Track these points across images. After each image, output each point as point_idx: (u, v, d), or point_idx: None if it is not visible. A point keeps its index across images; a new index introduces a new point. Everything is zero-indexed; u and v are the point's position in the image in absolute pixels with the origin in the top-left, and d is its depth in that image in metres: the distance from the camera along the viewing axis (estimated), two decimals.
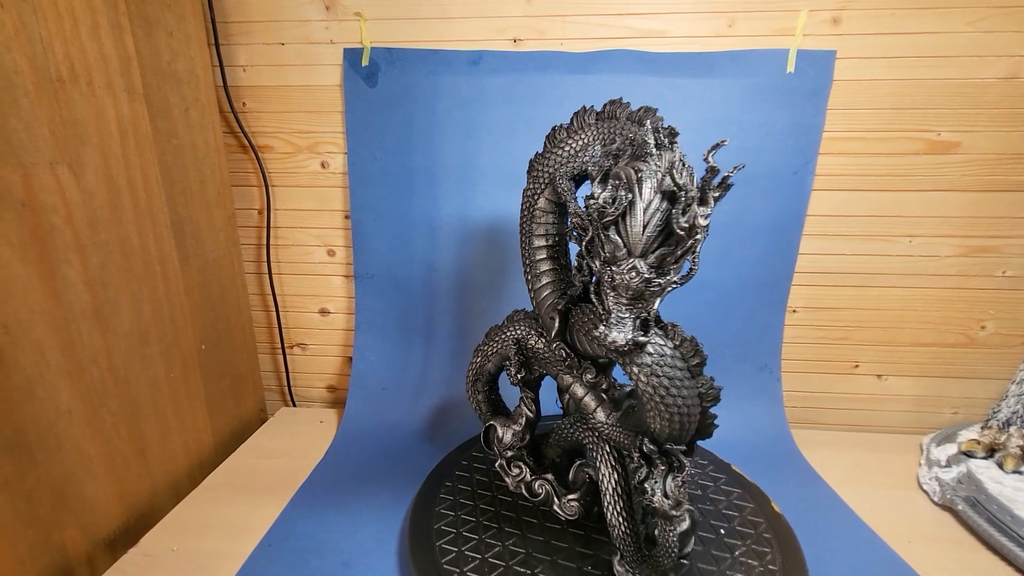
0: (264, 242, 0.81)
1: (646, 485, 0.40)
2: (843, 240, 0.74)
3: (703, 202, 0.33)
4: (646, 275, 0.35)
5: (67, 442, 0.49)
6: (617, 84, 0.70)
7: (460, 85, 0.72)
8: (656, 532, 0.42)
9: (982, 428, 0.69)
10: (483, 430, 0.53)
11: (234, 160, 0.78)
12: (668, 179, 0.33)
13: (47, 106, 0.47)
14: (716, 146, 0.34)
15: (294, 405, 0.89)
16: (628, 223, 0.34)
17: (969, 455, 0.64)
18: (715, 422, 0.40)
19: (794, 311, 0.78)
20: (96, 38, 0.52)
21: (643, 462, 0.40)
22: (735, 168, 0.34)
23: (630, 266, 0.35)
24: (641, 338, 0.36)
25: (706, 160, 0.34)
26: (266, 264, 0.81)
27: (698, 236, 0.34)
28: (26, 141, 0.45)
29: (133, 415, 0.57)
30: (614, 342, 0.36)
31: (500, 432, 0.51)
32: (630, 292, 0.36)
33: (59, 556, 0.49)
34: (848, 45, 0.67)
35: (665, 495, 0.39)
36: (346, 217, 0.79)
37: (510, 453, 0.51)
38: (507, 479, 0.53)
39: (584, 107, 0.44)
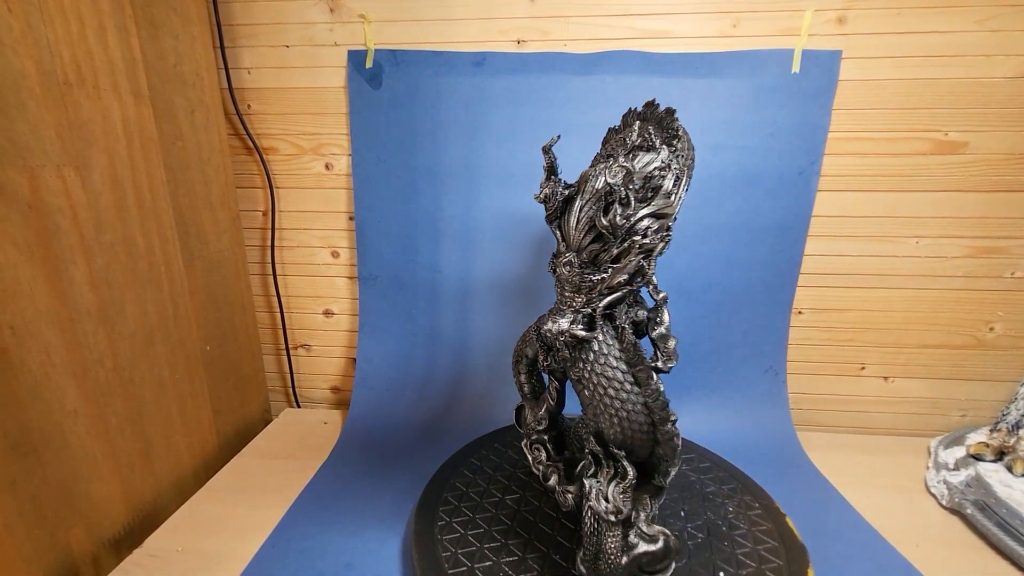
0: (268, 243, 0.81)
1: (584, 480, 0.41)
2: (849, 241, 0.74)
3: (625, 203, 0.34)
4: (577, 268, 0.36)
5: (73, 442, 0.49)
6: (621, 85, 0.70)
7: (464, 87, 0.72)
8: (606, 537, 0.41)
9: (991, 431, 0.68)
10: (515, 408, 0.55)
11: (239, 162, 0.78)
12: (602, 179, 0.35)
13: (53, 109, 0.47)
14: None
15: (298, 406, 0.89)
16: (566, 218, 0.37)
17: (978, 458, 0.63)
18: (677, 441, 0.39)
19: (800, 312, 0.77)
20: (102, 41, 0.52)
21: (590, 458, 0.41)
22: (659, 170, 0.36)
23: (566, 260, 0.37)
24: (579, 332, 0.37)
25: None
26: (270, 265, 0.81)
27: (636, 238, 0.35)
28: (32, 143, 0.45)
29: (138, 415, 0.57)
30: (549, 330, 0.37)
31: (526, 413, 0.52)
32: (570, 285, 0.37)
33: (64, 556, 0.49)
34: (854, 45, 0.67)
35: (606, 498, 0.40)
36: (350, 218, 0.80)
37: (534, 435, 0.52)
38: (529, 457, 0.53)
39: (630, 108, 0.44)
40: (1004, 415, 0.70)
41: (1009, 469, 0.61)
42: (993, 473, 0.60)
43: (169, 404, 0.62)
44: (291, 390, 0.88)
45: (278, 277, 0.82)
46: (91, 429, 0.51)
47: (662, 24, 0.69)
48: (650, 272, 0.37)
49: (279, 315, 0.84)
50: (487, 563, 0.47)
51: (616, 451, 0.40)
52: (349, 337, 0.85)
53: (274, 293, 0.83)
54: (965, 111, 0.68)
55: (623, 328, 0.38)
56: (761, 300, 0.75)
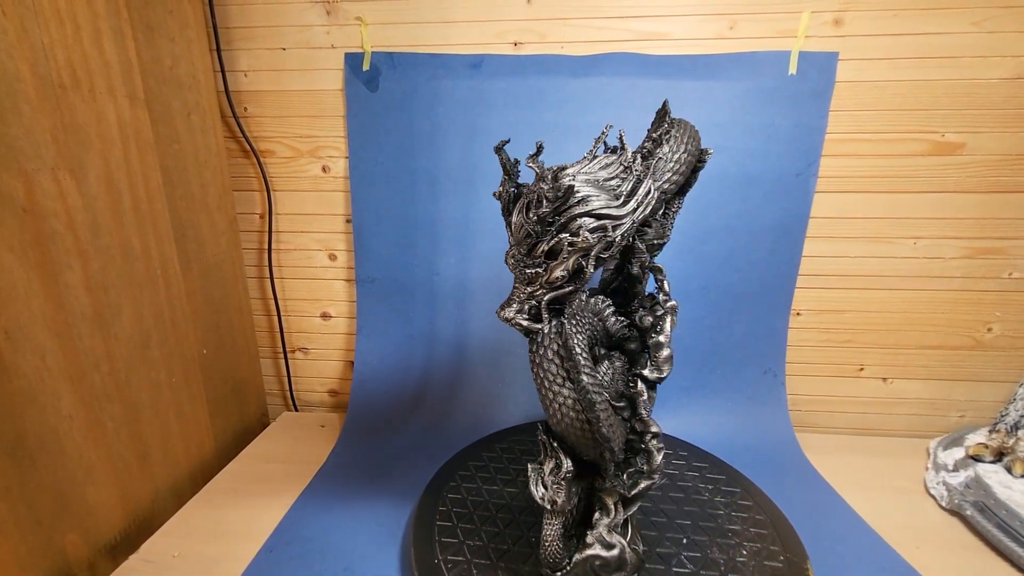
0: (266, 246, 0.81)
1: (529, 465, 0.43)
2: (847, 242, 0.74)
3: (538, 202, 0.36)
4: (518, 260, 0.39)
5: (68, 447, 0.49)
6: (619, 87, 0.70)
7: (461, 89, 0.72)
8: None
9: (990, 432, 0.68)
10: None
11: (236, 165, 0.78)
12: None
13: (49, 112, 0.47)
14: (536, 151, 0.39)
15: (296, 409, 0.88)
16: (512, 215, 0.39)
17: (977, 459, 0.63)
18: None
19: (798, 314, 0.77)
20: (98, 44, 0.52)
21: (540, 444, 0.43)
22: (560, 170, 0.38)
23: (511, 252, 0.39)
24: (522, 322, 0.39)
25: (528, 164, 0.39)
26: (268, 268, 0.81)
27: (564, 235, 0.37)
28: (27, 147, 0.45)
29: (135, 420, 0.57)
30: (499, 316, 0.40)
31: None
32: (516, 275, 0.40)
33: (60, 561, 0.48)
34: (851, 46, 0.67)
35: (544, 485, 0.42)
36: (348, 221, 0.79)
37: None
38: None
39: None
40: (1003, 416, 0.70)
41: (1008, 470, 0.61)
42: (992, 474, 0.60)
43: (166, 408, 0.62)
44: (289, 393, 0.87)
45: (275, 280, 0.82)
46: (87, 433, 0.51)
47: (659, 26, 0.69)
48: (587, 273, 0.38)
49: (276, 318, 0.84)
50: (486, 564, 0.47)
51: (555, 444, 0.42)
52: (347, 340, 0.85)
53: (271, 296, 0.83)
54: (962, 112, 0.68)
55: (562, 323, 0.40)
56: (759, 302, 0.75)
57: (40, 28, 0.46)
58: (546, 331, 0.40)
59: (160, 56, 0.60)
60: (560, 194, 0.36)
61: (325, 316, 0.85)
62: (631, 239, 0.41)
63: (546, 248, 0.37)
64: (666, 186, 0.43)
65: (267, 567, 0.51)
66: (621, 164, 0.39)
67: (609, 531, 0.42)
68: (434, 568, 0.47)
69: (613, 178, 0.39)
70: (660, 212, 0.48)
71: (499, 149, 0.40)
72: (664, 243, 0.46)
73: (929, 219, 0.72)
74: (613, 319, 0.44)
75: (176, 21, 0.63)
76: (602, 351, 0.46)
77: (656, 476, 0.41)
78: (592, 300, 0.43)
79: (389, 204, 0.76)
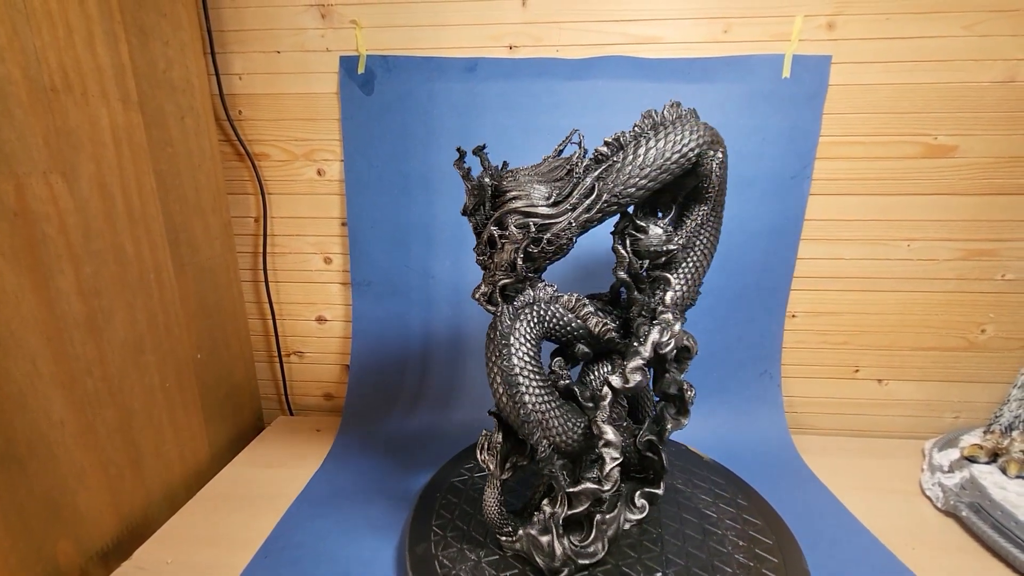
0: (260, 250, 0.80)
1: (484, 431, 0.48)
2: (842, 244, 0.74)
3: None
4: (476, 250, 0.44)
5: (60, 453, 0.49)
6: (613, 90, 0.70)
7: (456, 92, 0.72)
8: None
9: (984, 433, 0.69)
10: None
11: (230, 168, 0.78)
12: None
13: (41, 116, 0.47)
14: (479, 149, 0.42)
15: (291, 414, 0.88)
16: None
17: (972, 460, 0.64)
18: (533, 435, 0.44)
19: (794, 316, 0.77)
20: (91, 47, 0.51)
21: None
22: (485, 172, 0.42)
23: (477, 243, 0.44)
24: (483, 301, 0.45)
25: (454, 166, 0.42)
26: (262, 272, 0.81)
27: (494, 228, 0.41)
28: (19, 151, 0.45)
29: (127, 425, 0.57)
30: (472, 295, 0.45)
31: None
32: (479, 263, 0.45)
33: (51, 569, 0.48)
34: (844, 50, 0.67)
35: (487, 450, 0.47)
36: (343, 224, 0.79)
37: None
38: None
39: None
40: (997, 417, 0.70)
41: (1003, 471, 0.61)
42: (987, 475, 0.60)
43: (159, 413, 0.61)
44: (284, 397, 0.87)
45: (270, 284, 0.82)
46: (79, 439, 0.51)
47: (654, 30, 0.69)
48: (519, 266, 0.42)
49: (271, 322, 0.83)
50: (482, 568, 0.46)
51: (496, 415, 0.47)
52: (342, 343, 0.85)
53: (266, 300, 0.82)
54: (954, 115, 0.68)
55: (505, 309, 0.44)
56: (755, 304, 0.75)
57: (32, 31, 0.45)
58: (498, 312, 0.44)
59: (154, 59, 0.60)
60: (476, 192, 0.41)
61: (320, 320, 0.84)
62: (570, 239, 0.43)
63: (485, 238, 0.42)
64: (631, 191, 0.43)
65: (262, 573, 0.51)
66: (566, 167, 0.42)
67: (549, 518, 0.45)
68: (431, 572, 0.46)
69: (559, 180, 0.42)
70: (667, 218, 0.48)
71: (458, 163, 0.42)
72: (671, 251, 0.46)
73: (923, 221, 0.72)
74: (595, 320, 0.46)
75: (170, 24, 0.63)
76: (585, 349, 0.48)
77: (607, 484, 0.42)
78: (566, 296, 0.46)
79: (384, 207, 0.76)
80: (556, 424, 0.43)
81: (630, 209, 0.47)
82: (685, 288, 0.49)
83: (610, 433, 0.42)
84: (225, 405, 0.75)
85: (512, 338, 0.43)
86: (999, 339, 0.75)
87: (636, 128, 0.44)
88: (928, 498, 0.63)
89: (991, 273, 0.73)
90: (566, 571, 0.45)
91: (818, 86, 0.68)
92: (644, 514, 0.51)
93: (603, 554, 0.47)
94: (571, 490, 0.43)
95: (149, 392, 0.60)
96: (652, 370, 0.48)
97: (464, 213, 0.43)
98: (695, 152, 0.44)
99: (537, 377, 0.43)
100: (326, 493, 0.63)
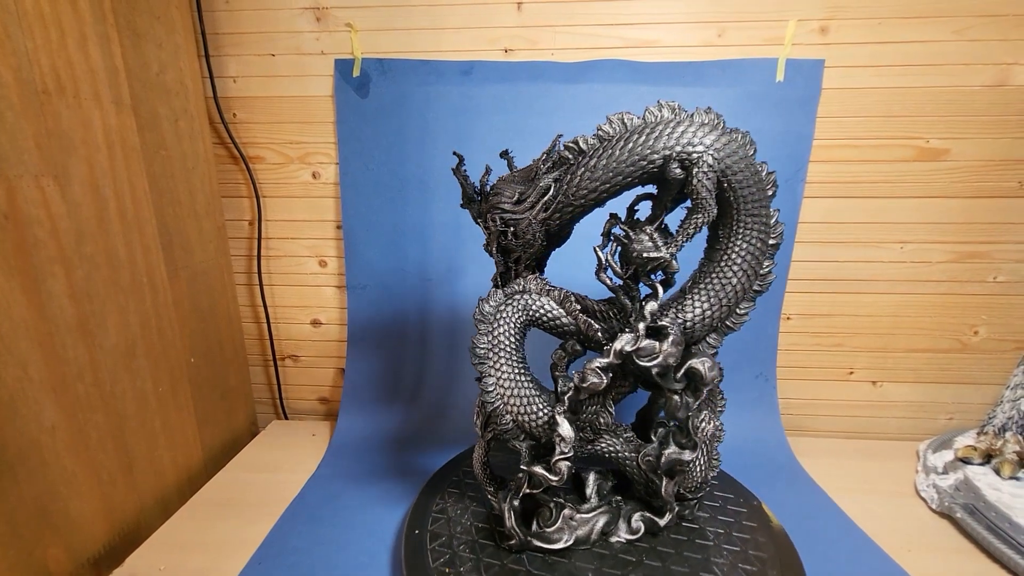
0: (255, 253, 0.80)
1: None
2: (836, 247, 0.74)
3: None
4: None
5: (50, 459, 0.48)
6: (608, 94, 0.70)
7: (452, 95, 0.72)
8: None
9: (978, 434, 0.69)
10: None
11: (224, 171, 0.77)
12: None
13: (32, 118, 0.46)
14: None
15: (286, 418, 0.87)
16: None
17: (966, 461, 0.64)
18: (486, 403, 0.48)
19: (788, 318, 0.78)
20: (83, 50, 0.51)
21: None
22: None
23: None
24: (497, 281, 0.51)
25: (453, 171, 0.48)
26: (257, 275, 0.80)
27: (479, 221, 0.48)
28: (10, 153, 0.44)
29: (120, 430, 0.56)
30: None
31: None
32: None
33: None
34: (836, 54, 0.68)
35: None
36: (338, 227, 0.79)
37: None
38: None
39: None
40: (990, 418, 0.70)
41: (997, 472, 0.61)
42: (981, 476, 0.61)
43: (152, 418, 0.61)
44: (278, 401, 0.86)
45: (265, 287, 0.81)
46: (70, 445, 0.50)
47: (648, 33, 0.70)
48: (494, 257, 0.49)
49: (266, 325, 0.83)
50: (479, 573, 0.46)
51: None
52: (337, 347, 0.84)
53: (261, 303, 0.82)
54: (946, 119, 0.69)
55: (492, 292, 0.49)
56: None
57: (23, 33, 0.45)
58: (484, 296, 0.49)
59: (147, 62, 0.60)
60: (467, 192, 0.48)
61: (315, 323, 0.84)
62: (535, 235, 0.46)
63: (483, 230, 0.49)
64: (584, 192, 0.44)
65: None
66: (535, 170, 0.45)
67: (511, 486, 0.48)
68: None
69: (530, 181, 0.45)
70: (655, 225, 0.47)
71: (456, 169, 0.48)
72: (659, 260, 0.44)
73: (915, 224, 0.73)
74: (582, 317, 0.47)
75: (163, 27, 0.62)
76: (576, 347, 0.49)
77: (554, 476, 0.45)
78: (556, 291, 0.48)
79: (380, 210, 0.76)
80: (517, 404, 0.47)
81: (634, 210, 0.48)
82: (707, 307, 0.46)
83: (564, 427, 0.44)
84: (219, 409, 0.74)
85: (495, 319, 0.48)
86: (992, 341, 0.76)
87: (600, 131, 0.43)
88: (923, 499, 0.63)
89: (983, 275, 0.74)
90: (515, 542, 0.48)
91: (811, 90, 0.69)
92: (637, 536, 0.50)
93: (563, 545, 0.48)
94: (524, 467, 0.46)
95: (142, 397, 0.59)
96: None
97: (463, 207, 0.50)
98: (659, 158, 0.42)
99: (508, 357, 0.48)
100: (321, 498, 0.62)
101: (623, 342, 0.44)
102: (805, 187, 0.72)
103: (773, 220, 0.46)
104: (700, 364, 0.45)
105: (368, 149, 0.74)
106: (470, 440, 0.70)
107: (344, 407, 0.79)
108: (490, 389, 0.47)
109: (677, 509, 0.50)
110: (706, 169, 0.42)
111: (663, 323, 0.45)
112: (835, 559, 0.53)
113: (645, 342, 0.44)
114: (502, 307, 0.48)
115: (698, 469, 0.50)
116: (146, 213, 0.60)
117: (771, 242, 0.46)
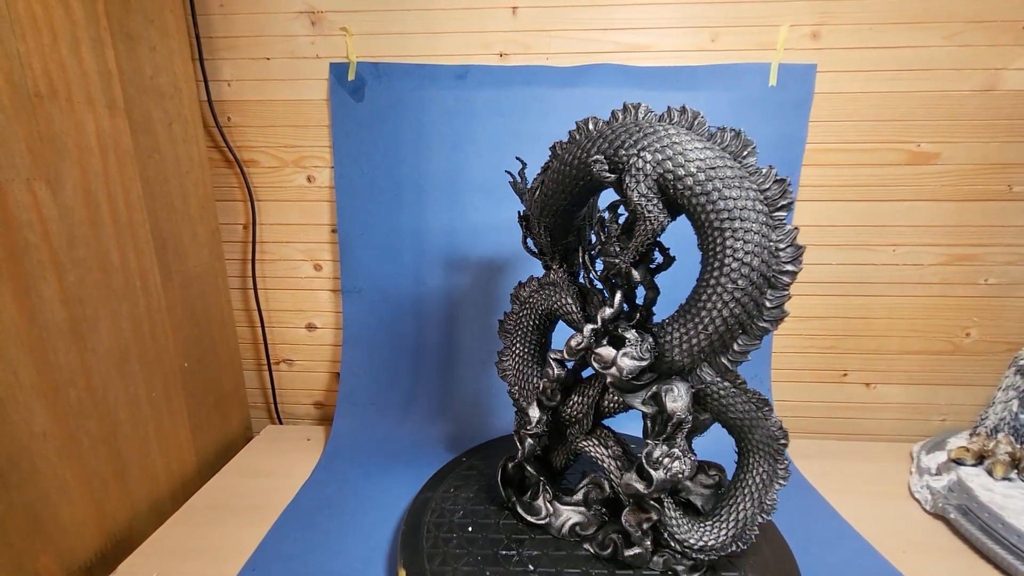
0: (249, 257, 0.79)
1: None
2: (828, 250, 0.75)
3: None
4: None
5: (42, 465, 0.48)
6: (602, 98, 0.71)
7: (447, 99, 0.72)
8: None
9: (970, 435, 0.70)
10: None
11: (218, 175, 0.77)
12: None
13: (24, 121, 0.46)
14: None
15: (280, 422, 0.87)
16: None
17: (959, 463, 0.64)
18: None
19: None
20: (76, 53, 0.51)
21: None
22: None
23: None
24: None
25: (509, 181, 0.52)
26: (251, 279, 0.80)
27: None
28: (1, 157, 0.44)
29: (112, 436, 0.55)
30: None
31: None
32: None
33: None
34: (828, 59, 0.69)
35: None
36: (333, 231, 0.79)
37: None
38: None
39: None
40: (983, 419, 0.71)
41: (989, 473, 0.61)
42: (974, 477, 0.61)
43: (145, 423, 0.60)
44: (273, 406, 0.86)
45: (259, 291, 0.81)
46: (61, 451, 0.50)
47: (642, 38, 0.70)
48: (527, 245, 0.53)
49: (260, 330, 0.82)
50: None
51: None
52: (332, 351, 0.84)
53: (255, 307, 0.81)
54: (937, 123, 0.69)
55: (530, 280, 0.54)
56: None
57: (16, 36, 0.45)
58: (521, 281, 0.54)
59: (141, 65, 0.60)
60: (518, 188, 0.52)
61: (310, 327, 0.83)
62: (539, 233, 0.50)
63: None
64: (551, 196, 0.46)
65: None
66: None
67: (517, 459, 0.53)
68: None
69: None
70: (597, 223, 0.47)
71: (515, 179, 0.51)
72: (611, 266, 0.42)
73: (907, 227, 0.73)
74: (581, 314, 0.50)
75: (157, 30, 0.62)
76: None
77: (519, 446, 0.51)
78: (575, 287, 0.50)
79: (375, 214, 0.76)
80: (518, 379, 0.54)
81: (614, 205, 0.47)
82: (685, 334, 0.40)
83: (532, 409, 0.51)
84: (213, 414, 0.74)
85: (526, 302, 0.54)
86: (984, 342, 0.76)
87: (571, 136, 0.43)
88: (916, 501, 0.63)
89: (975, 277, 0.74)
90: (504, 494, 0.53)
91: (804, 94, 0.69)
92: (605, 552, 0.47)
93: (536, 520, 0.51)
94: (515, 429, 0.53)
95: (134, 402, 0.59)
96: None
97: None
98: (586, 166, 0.40)
99: (523, 337, 0.54)
100: (316, 503, 0.62)
101: (575, 339, 0.44)
102: (798, 191, 0.72)
103: (785, 243, 0.37)
104: (665, 393, 0.41)
105: (363, 153, 0.74)
106: (465, 444, 0.70)
107: (339, 411, 0.78)
108: (506, 360, 0.55)
109: (650, 548, 0.45)
110: (634, 172, 0.36)
111: (627, 335, 0.42)
112: (829, 560, 0.53)
113: (602, 348, 0.42)
114: (534, 294, 0.53)
115: (715, 528, 0.45)
116: (139, 217, 0.59)
117: (779, 268, 0.37)
